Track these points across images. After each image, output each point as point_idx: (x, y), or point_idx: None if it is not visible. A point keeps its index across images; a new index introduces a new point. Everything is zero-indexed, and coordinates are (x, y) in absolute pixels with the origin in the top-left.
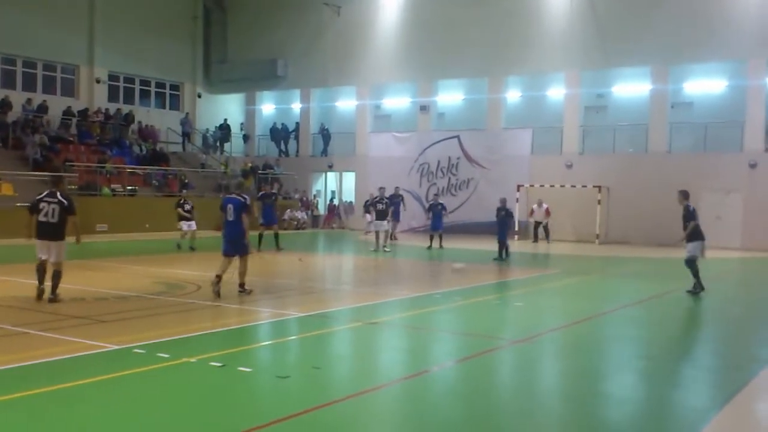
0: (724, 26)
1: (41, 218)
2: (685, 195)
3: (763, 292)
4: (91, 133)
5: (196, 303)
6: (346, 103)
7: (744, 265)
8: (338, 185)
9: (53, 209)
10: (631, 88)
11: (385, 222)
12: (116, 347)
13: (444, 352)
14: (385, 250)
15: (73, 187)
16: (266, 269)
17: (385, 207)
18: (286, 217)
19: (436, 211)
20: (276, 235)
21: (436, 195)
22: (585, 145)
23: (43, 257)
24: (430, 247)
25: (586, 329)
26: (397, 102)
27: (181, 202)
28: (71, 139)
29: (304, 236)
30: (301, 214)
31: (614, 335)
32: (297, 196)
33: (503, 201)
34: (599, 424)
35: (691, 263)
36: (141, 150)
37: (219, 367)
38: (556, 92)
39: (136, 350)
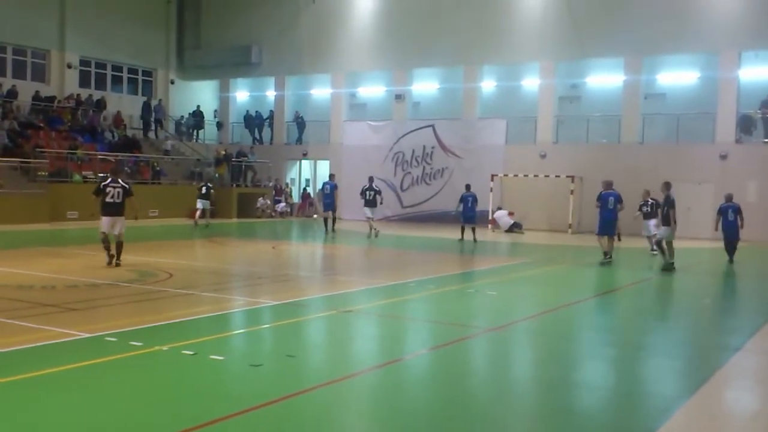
0: (697, 18)
1: (108, 200)
2: (667, 186)
3: (732, 282)
4: (62, 119)
5: (168, 291)
6: (321, 91)
7: (714, 255)
8: (312, 173)
9: (118, 192)
10: (605, 78)
11: (374, 209)
12: (88, 335)
13: (418, 340)
14: (371, 237)
15: (43, 173)
16: (240, 258)
17: (373, 196)
18: (258, 205)
19: (467, 202)
20: (334, 220)
21: (467, 185)
22: (559, 135)
23: (107, 231)
24: (462, 239)
25: (558, 318)
26: (373, 90)
27: (201, 185)
28: (41, 125)
29: (277, 224)
30: (280, 206)
31: (586, 324)
32: (271, 184)
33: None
34: (570, 412)
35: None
36: (113, 137)
37: (191, 355)
38: (531, 82)
39: (107, 338)
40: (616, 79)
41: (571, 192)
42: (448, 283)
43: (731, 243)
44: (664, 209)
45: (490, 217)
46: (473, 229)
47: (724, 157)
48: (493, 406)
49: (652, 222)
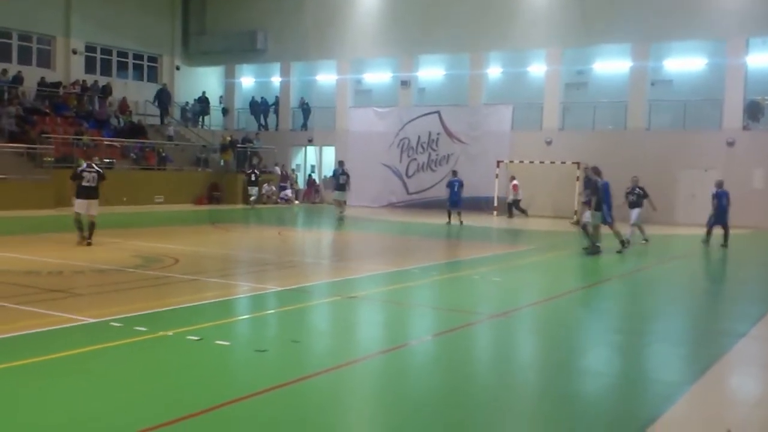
0: (704, 5)
1: (84, 183)
2: (596, 171)
3: (736, 268)
4: (67, 105)
5: (174, 276)
6: (326, 78)
7: (718, 242)
8: (318, 160)
9: (93, 176)
10: (612, 65)
11: (344, 193)
12: (93, 320)
13: (422, 326)
14: (341, 219)
15: (49, 159)
16: (245, 244)
17: (345, 180)
18: (264, 191)
19: (453, 186)
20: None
21: (454, 171)
22: (565, 121)
23: (81, 212)
24: (449, 222)
25: (562, 304)
26: (378, 77)
27: (249, 172)
28: (47, 111)
29: (283, 211)
30: (288, 192)
31: (589, 310)
32: (278, 169)
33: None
34: (574, 398)
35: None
36: (118, 123)
37: (196, 340)
38: (537, 69)
39: (113, 323)
40: (623, 65)
41: (577, 179)
42: (452, 269)
43: (723, 226)
44: (594, 195)
45: (495, 203)
46: (459, 213)
47: (731, 143)
48: (497, 392)
49: (636, 211)
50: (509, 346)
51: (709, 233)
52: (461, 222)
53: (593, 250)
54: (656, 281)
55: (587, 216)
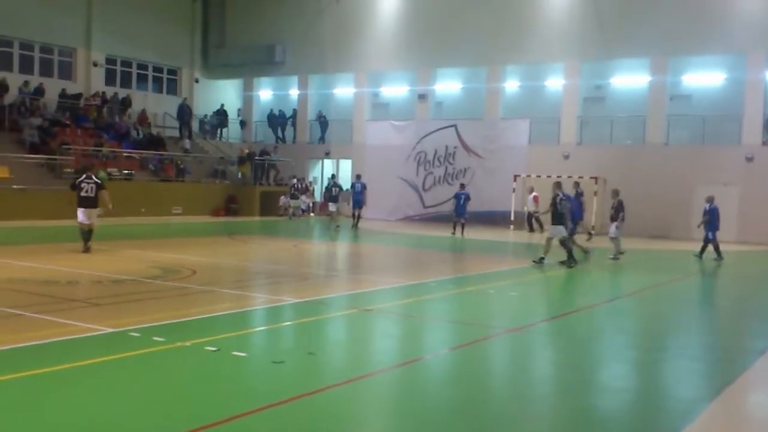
0: (724, 19)
1: (83, 194)
2: (558, 185)
3: (756, 285)
4: (87, 116)
5: (191, 287)
6: (344, 91)
7: (738, 258)
8: (335, 173)
9: (91, 187)
10: (630, 79)
11: (336, 204)
12: (111, 330)
13: (438, 339)
14: (335, 228)
15: (69, 170)
16: (262, 255)
17: (338, 192)
18: (281, 203)
19: (459, 199)
20: (359, 217)
21: (462, 184)
22: (582, 135)
23: (85, 221)
24: (453, 234)
25: (580, 320)
26: (396, 90)
27: (292, 185)
28: (68, 122)
29: (300, 223)
30: (305, 201)
31: (607, 326)
32: (293, 181)
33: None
34: (591, 414)
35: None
36: (138, 134)
37: (214, 351)
38: (555, 82)
39: (131, 333)
40: (642, 79)
41: (595, 193)
42: (468, 283)
43: (715, 241)
44: (552, 209)
45: (512, 217)
46: (462, 225)
47: (750, 159)
48: (513, 406)
49: (614, 224)
50: (526, 360)
51: (717, 248)
52: (462, 234)
53: (541, 262)
54: (673, 297)
55: (552, 231)
